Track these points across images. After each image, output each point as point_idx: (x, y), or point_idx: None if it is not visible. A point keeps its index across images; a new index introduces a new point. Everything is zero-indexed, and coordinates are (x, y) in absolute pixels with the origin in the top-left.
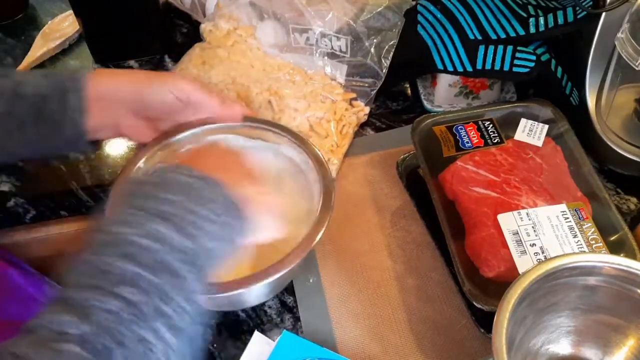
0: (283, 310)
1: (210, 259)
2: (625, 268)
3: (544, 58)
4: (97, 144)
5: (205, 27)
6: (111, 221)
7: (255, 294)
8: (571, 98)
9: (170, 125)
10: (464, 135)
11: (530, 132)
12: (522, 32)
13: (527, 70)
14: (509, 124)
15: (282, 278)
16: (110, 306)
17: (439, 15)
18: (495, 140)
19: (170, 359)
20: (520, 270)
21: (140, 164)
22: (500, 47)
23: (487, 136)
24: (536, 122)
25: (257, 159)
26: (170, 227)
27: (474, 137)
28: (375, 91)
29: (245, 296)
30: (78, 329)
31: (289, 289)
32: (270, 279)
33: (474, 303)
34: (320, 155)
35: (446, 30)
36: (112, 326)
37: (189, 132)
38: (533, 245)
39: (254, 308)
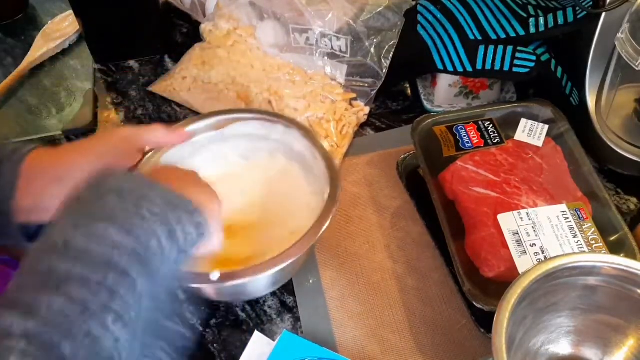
0: (283, 310)
1: (157, 254)
2: (625, 268)
3: (544, 58)
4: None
5: (205, 27)
6: (54, 226)
7: (260, 284)
8: (571, 98)
9: None
10: (464, 135)
11: (531, 132)
12: (522, 32)
13: (527, 70)
14: (509, 124)
15: (287, 269)
16: (55, 303)
17: (439, 16)
18: (496, 141)
19: (120, 352)
20: (520, 270)
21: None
22: (500, 47)
23: (487, 136)
24: (536, 122)
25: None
26: (112, 227)
27: (474, 137)
28: (375, 91)
29: (249, 287)
30: (23, 326)
31: (289, 289)
32: (276, 269)
33: (474, 303)
34: (326, 149)
35: (446, 31)
36: (58, 321)
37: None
38: (533, 245)
39: (254, 308)
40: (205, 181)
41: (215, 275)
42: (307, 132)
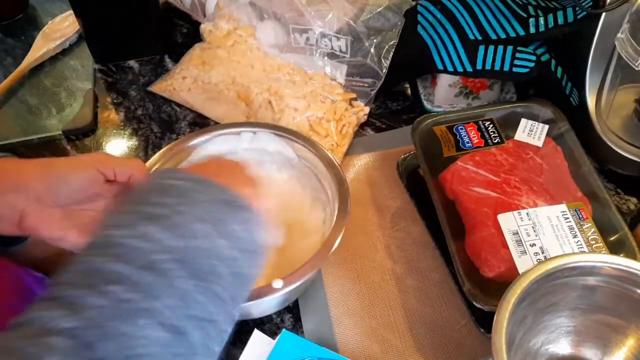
0: (283, 310)
1: (206, 257)
2: (625, 268)
3: (544, 58)
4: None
5: (205, 27)
6: (103, 225)
7: (267, 306)
8: (571, 98)
9: (90, 211)
10: (464, 135)
11: (531, 132)
12: (522, 33)
13: (527, 70)
14: (509, 124)
15: (298, 288)
16: (98, 302)
17: (439, 16)
18: (496, 140)
19: (158, 355)
20: (520, 270)
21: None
22: (500, 47)
23: (487, 136)
24: (536, 122)
25: (263, 171)
26: (160, 228)
27: (474, 137)
28: (375, 91)
29: (253, 308)
30: (67, 323)
31: None
32: (289, 289)
33: (474, 303)
34: (333, 158)
35: (446, 31)
36: (99, 321)
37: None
38: (533, 245)
39: None
40: (251, 174)
41: (278, 284)
42: (310, 143)
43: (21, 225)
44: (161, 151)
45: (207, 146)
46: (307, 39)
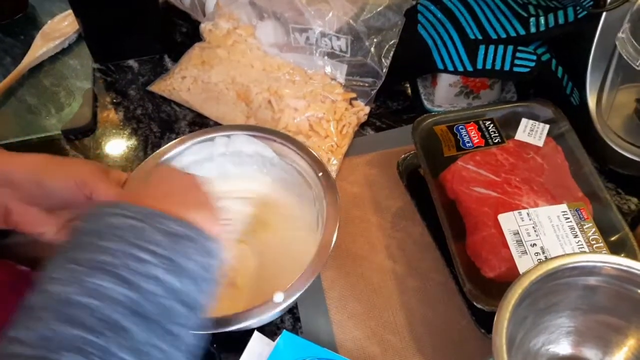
0: None
1: (162, 299)
2: (625, 268)
3: (544, 58)
4: None
5: (205, 27)
6: (48, 279)
7: (268, 317)
8: (572, 98)
9: (73, 214)
10: (465, 135)
11: (531, 132)
12: (522, 32)
13: (528, 70)
14: (510, 124)
15: (291, 302)
16: None
17: (439, 15)
18: (496, 140)
19: None
20: (521, 270)
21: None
22: (501, 47)
23: (487, 136)
24: (537, 122)
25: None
26: (110, 279)
27: (475, 137)
28: (375, 91)
29: (258, 323)
30: None
31: None
32: (291, 301)
33: (475, 303)
34: (314, 152)
35: (446, 30)
36: None
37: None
38: (534, 245)
39: None
40: (203, 187)
41: (279, 297)
42: (298, 145)
43: (6, 219)
44: (135, 170)
45: (182, 158)
46: (307, 38)
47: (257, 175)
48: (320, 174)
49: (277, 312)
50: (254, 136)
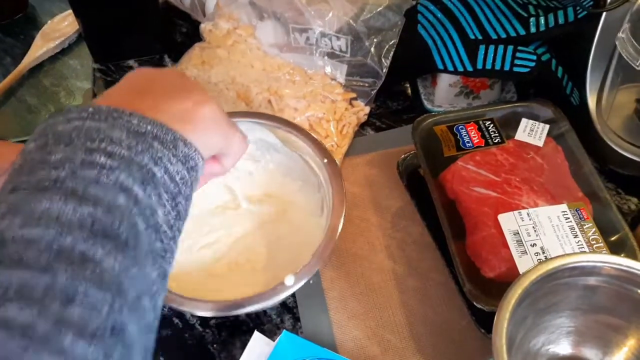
0: (283, 311)
1: (130, 212)
2: (625, 268)
3: (544, 58)
4: None
5: (205, 27)
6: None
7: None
8: (572, 98)
9: None
10: (465, 135)
11: (531, 132)
12: (522, 32)
13: (528, 70)
14: (510, 124)
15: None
16: None
17: (439, 15)
18: (496, 140)
19: None
20: (521, 270)
21: None
22: (501, 47)
23: (487, 136)
24: (537, 122)
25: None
26: (60, 198)
27: (475, 137)
28: (375, 91)
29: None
30: None
31: None
32: (301, 283)
33: (475, 303)
34: (318, 138)
35: (446, 30)
36: None
37: None
38: (534, 245)
39: None
40: (191, 80)
41: (290, 280)
42: (304, 133)
43: None
44: None
45: None
46: (307, 38)
47: (261, 162)
48: (325, 160)
49: (288, 294)
50: (257, 123)
